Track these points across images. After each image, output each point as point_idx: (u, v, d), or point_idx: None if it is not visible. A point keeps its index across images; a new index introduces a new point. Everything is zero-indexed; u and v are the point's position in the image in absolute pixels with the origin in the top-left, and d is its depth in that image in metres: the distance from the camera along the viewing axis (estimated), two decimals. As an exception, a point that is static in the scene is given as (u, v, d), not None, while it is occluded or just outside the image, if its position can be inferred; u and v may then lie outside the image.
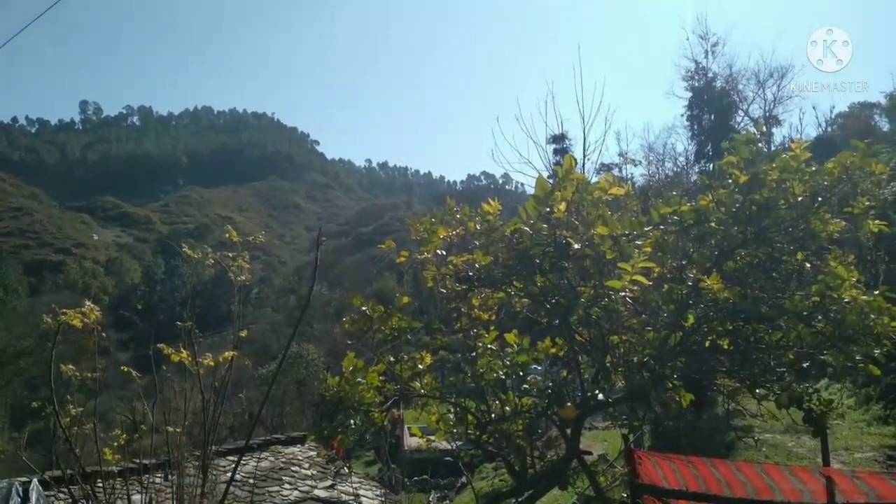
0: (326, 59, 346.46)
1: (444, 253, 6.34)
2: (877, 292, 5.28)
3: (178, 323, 5.38)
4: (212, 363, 5.00)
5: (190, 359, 4.90)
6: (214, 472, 5.32)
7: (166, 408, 5.14)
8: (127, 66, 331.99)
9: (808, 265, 5.54)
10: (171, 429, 4.89)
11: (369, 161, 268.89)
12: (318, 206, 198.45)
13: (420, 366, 6.42)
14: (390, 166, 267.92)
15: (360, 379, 5.96)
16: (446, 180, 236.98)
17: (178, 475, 4.81)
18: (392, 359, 6.39)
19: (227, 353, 5.04)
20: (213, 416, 4.91)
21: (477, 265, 5.82)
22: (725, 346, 5.69)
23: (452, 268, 6.14)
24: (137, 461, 5.41)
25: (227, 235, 5.68)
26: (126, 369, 5.62)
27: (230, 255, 5.53)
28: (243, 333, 5.37)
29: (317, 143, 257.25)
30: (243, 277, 5.40)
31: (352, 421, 5.92)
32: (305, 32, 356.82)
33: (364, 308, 6.24)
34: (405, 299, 6.44)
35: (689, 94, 39.22)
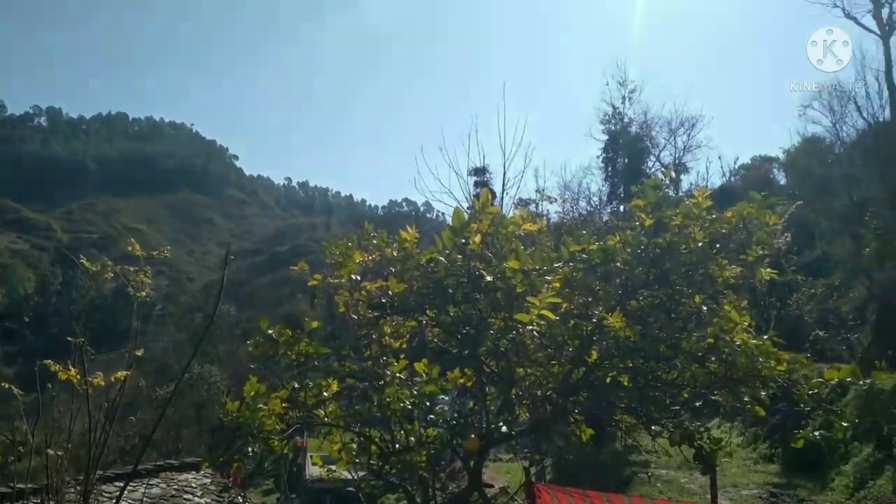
0: (252, 73, 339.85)
1: (359, 278, 6.29)
2: (766, 336, 5.59)
3: (70, 339, 5.07)
4: (102, 382, 4.72)
5: (78, 377, 4.62)
6: (98, 499, 5.01)
7: (50, 428, 4.81)
8: (37, 65, 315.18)
9: (705, 308, 5.81)
10: (52, 451, 4.57)
11: (289, 179, 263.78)
12: (232, 223, 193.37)
13: (325, 393, 6.29)
14: (311, 186, 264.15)
15: (261, 405, 5.78)
16: (368, 204, 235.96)
17: (57, 501, 4.49)
18: (296, 385, 6.23)
19: (119, 373, 4.78)
20: (100, 439, 4.63)
21: (390, 292, 5.80)
22: (625, 383, 5.87)
23: (366, 293, 6.10)
24: (12, 485, 5.02)
25: (131, 248, 5.43)
26: (7, 385, 5.24)
27: (132, 269, 5.28)
28: (140, 352, 5.11)
29: (236, 157, 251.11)
30: (144, 293, 5.16)
31: (250, 448, 5.72)
32: (231, 44, 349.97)
33: (270, 331, 6.08)
34: (314, 324, 6.32)
35: (605, 137, 40.83)
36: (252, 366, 6.42)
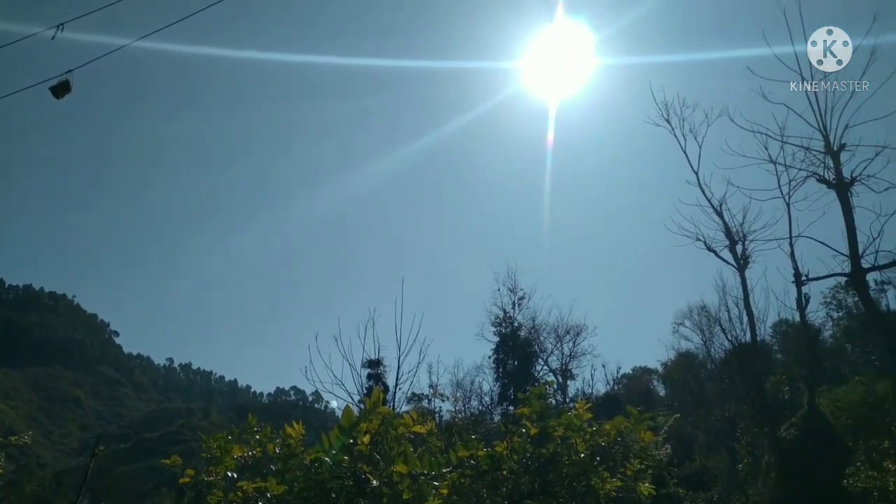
0: (140, 248, 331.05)
1: (236, 476, 5.96)
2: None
3: None
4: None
5: None
6: None
7: None
8: None
9: (588, 521, 5.83)
10: None
11: (171, 360, 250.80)
12: (101, 404, 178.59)
13: None
14: (193, 368, 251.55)
15: None
16: (252, 390, 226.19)
17: None
18: None
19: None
20: None
21: (269, 494, 5.51)
22: None
23: (241, 494, 5.75)
24: None
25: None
26: None
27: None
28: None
29: (116, 334, 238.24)
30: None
31: None
32: (122, 217, 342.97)
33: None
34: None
35: (496, 339, 42.12)
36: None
